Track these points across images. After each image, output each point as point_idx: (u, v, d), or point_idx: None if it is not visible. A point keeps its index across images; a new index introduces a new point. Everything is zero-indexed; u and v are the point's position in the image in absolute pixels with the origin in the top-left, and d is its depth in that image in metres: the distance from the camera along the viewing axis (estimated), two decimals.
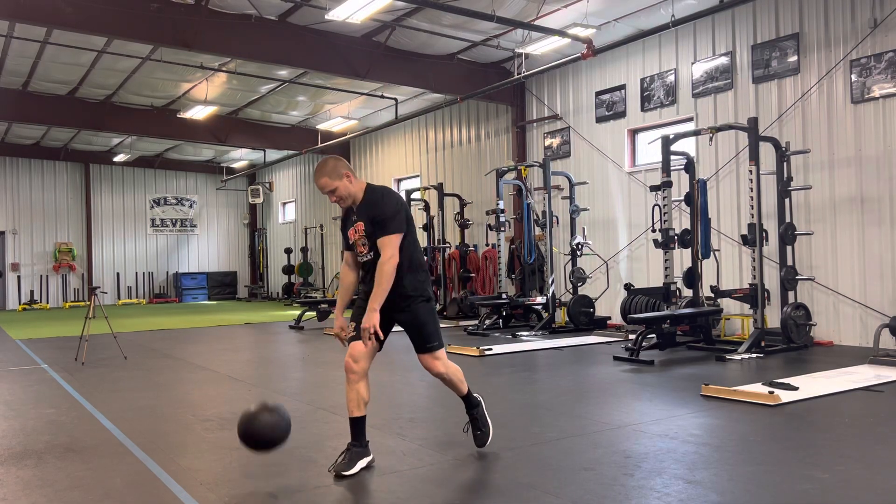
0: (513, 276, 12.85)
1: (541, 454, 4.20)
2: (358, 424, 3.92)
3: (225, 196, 24.92)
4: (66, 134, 19.20)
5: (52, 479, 3.91)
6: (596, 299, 11.34)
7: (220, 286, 24.30)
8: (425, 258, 4.05)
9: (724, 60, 10.26)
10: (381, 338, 3.85)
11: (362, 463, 3.88)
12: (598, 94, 12.24)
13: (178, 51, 11.25)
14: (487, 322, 11.27)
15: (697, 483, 3.61)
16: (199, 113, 15.54)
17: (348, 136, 17.67)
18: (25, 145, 20.54)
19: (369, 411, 4.60)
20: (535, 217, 11.76)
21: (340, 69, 12.06)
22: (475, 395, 4.29)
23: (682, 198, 9.08)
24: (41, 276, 21.43)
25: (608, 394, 6.12)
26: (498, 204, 11.55)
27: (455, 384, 4.16)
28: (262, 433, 3.70)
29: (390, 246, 3.79)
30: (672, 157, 8.75)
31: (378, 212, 3.85)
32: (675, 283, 8.78)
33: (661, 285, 8.84)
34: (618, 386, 6.45)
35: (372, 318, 3.74)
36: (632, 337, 8.31)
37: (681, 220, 9.88)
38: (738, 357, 7.68)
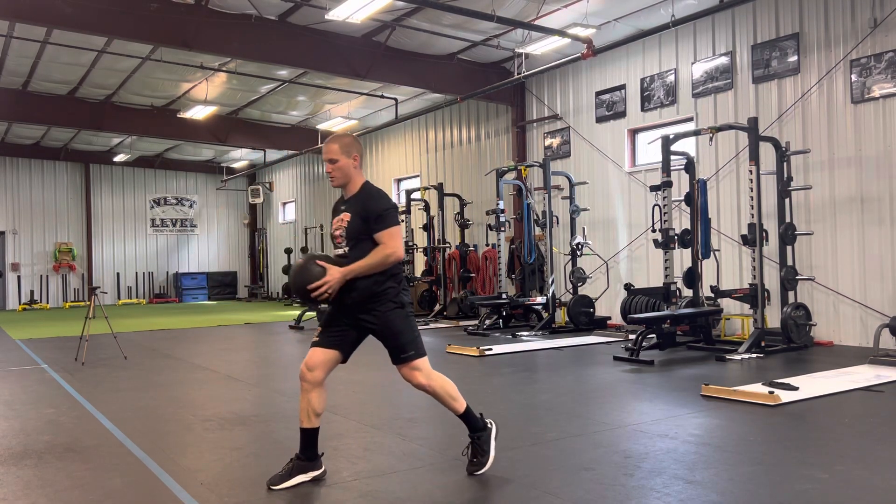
0: (513, 276, 12.84)
1: (541, 454, 4.20)
2: (306, 436, 3.73)
3: (225, 196, 24.92)
4: (66, 134, 19.20)
5: (52, 479, 3.91)
6: (596, 299, 11.34)
7: (220, 286, 24.31)
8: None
9: (724, 60, 10.26)
10: (348, 338, 3.73)
11: (303, 477, 3.69)
12: (598, 94, 12.24)
13: (178, 51, 11.25)
14: (487, 322, 11.26)
15: (697, 483, 3.61)
16: (199, 113, 15.55)
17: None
18: (25, 145, 20.54)
19: (369, 410, 4.60)
20: (535, 217, 11.76)
21: (340, 69, 12.06)
22: (480, 417, 3.89)
23: (682, 198, 9.09)
24: (41, 276, 21.43)
25: (608, 394, 6.12)
26: (498, 204, 11.55)
27: (444, 399, 3.77)
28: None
29: (393, 238, 3.63)
30: (672, 157, 8.75)
31: (374, 207, 3.67)
32: (675, 283, 8.78)
33: (661, 285, 8.84)
34: (618, 386, 6.45)
35: (335, 281, 3.56)
36: (632, 337, 8.30)
37: (681, 220, 9.88)
38: (738, 357, 7.68)
